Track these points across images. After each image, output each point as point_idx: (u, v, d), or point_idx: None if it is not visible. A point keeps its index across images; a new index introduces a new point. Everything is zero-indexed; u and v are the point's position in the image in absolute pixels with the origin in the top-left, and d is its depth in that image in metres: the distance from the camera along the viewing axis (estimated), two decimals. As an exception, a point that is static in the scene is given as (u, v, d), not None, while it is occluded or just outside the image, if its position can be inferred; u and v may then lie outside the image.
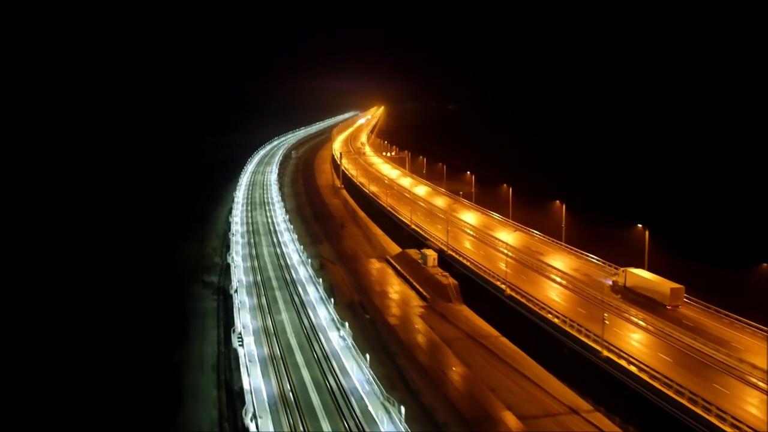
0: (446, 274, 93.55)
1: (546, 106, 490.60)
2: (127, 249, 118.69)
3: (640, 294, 73.75)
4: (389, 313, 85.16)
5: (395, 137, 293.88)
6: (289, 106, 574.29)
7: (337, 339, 61.16)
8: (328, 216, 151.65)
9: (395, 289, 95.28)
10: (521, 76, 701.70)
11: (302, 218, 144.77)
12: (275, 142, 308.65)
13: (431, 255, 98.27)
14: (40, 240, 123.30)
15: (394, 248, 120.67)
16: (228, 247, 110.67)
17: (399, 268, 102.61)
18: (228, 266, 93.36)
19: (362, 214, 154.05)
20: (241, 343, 59.24)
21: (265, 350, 59.02)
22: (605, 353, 59.21)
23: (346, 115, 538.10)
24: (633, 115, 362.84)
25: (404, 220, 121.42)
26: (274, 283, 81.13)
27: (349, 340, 59.53)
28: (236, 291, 74.56)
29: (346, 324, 61.90)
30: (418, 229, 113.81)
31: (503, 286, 78.51)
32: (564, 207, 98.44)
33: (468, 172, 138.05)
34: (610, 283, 78.38)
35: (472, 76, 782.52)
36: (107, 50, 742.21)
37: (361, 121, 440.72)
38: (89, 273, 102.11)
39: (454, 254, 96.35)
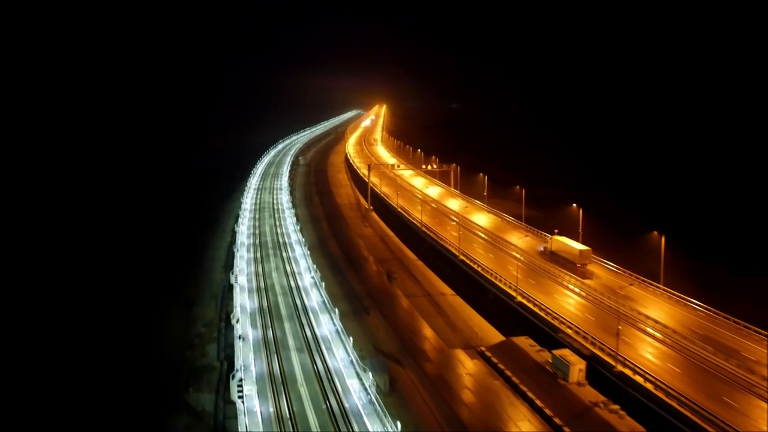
0: (616, 408, 53.52)
1: (553, 102, 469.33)
2: (82, 325, 79.72)
3: (560, 256, 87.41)
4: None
5: (409, 138, 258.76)
6: (292, 106, 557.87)
7: None
8: (363, 256, 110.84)
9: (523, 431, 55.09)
10: (527, 73, 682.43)
11: (330, 261, 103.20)
12: (279, 147, 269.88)
13: (576, 365, 58.24)
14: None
15: (480, 323, 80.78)
16: (227, 319, 74.08)
17: (513, 378, 61.96)
18: (230, 368, 54.53)
19: (411, 254, 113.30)
20: None
21: None
22: None
23: (350, 114, 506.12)
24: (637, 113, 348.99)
25: (503, 287, 79.36)
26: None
27: None
28: None
29: None
30: (531, 305, 73.07)
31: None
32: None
33: (574, 204, 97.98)
34: (542, 249, 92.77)
35: (477, 74, 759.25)
36: (109, 51, 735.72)
37: (366, 122, 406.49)
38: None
39: (630, 373, 55.70)
